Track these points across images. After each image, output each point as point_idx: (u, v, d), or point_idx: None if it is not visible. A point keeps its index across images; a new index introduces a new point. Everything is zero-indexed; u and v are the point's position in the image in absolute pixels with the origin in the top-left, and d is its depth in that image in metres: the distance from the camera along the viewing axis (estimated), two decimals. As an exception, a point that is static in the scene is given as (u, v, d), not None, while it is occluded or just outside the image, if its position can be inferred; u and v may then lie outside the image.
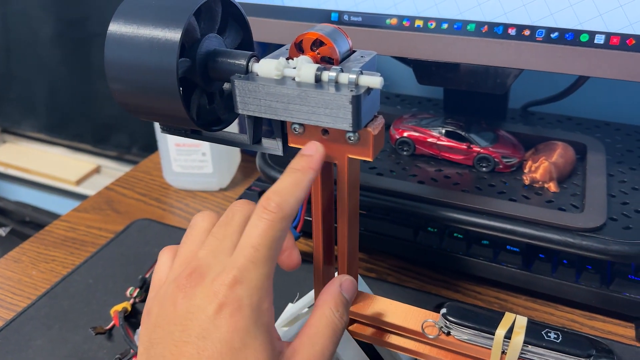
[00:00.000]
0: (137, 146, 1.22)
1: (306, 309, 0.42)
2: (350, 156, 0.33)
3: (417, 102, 0.68)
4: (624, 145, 0.58)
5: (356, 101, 0.30)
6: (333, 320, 0.32)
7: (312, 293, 0.41)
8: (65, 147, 1.37)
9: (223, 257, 0.30)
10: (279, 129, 0.35)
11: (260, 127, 0.36)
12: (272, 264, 0.30)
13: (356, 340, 0.40)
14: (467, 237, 0.52)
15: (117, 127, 1.22)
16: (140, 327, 0.31)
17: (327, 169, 0.35)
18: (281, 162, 0.55)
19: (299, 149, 0.34)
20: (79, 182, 1.30)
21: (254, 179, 0.68)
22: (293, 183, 0.31)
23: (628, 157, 0.55)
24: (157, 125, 0.65)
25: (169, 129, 0.38)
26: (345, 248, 0.37)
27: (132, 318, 0.49)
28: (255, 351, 0.28)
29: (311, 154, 0.32)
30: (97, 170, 1.34)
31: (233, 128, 0.39)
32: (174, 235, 0.60)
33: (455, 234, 0.52)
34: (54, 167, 1.35)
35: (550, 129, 0.59)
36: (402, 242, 0.53)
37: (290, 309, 0.48)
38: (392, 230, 0.53)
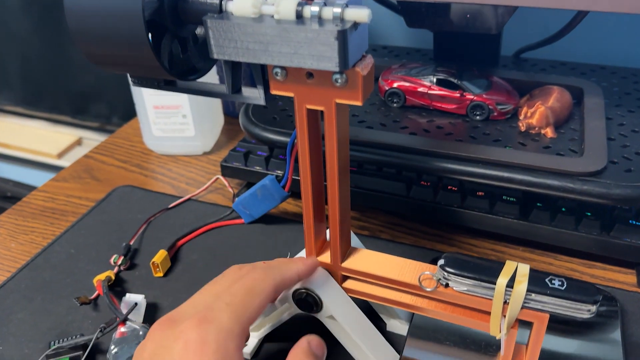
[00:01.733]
0: (118, 115, 1.18)
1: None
2: (338, 101, 0.30)
3: (405, 53, 0.65)
4: (621, 88, 0.55)
5: (342, 37, 0.27)
6: None
7: (303, 252, 0.39)
8: (44, 120, 1.33)
9: (201, 307, 0.31)
10: (259, 74, 0.32)
11: (240, 74, 0.33)
12: (246, 311, 0.31)
13: (351, 297, 0.38)
14: (461, 189, 0.50)
15: (95, 96, 1.18)
16: None
17: (314, 120, 0.33)
18: (265, 119, 0.52)
19: (283, 97, 0.31)
20: (60, 155, 1.26)
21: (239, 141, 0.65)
22: (285, 263, 0.36)
23: (626, 100, 0.53)
24: (133, 87, 0.62)
25: (140, 81, 0.36)
26: (336, 205, 0.35)
27: (117, 287, 0.47)
28: None
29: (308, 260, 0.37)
30: (78, 142, 1.30)
31: (213, 80, 0.36)
32: (157, 201, 0.57)
33: (449, 187, 0.50)
34: (34, 141, 1.31)
35: (544, 74, 0.57)
36: (395, 198, 0.51)
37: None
38: (385, 186, 0.51)
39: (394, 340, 0.41)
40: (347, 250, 0.38)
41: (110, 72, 0.35)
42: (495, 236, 0.50)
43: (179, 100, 0.61)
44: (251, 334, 0.41)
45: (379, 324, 0.42)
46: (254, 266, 0.35)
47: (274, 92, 0.32)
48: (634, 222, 0.46)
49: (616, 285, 0.46)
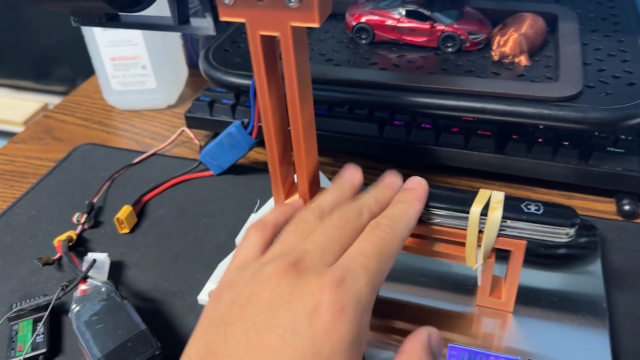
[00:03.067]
0: (82, 77, 1.13)
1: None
2: (293, 24, 0.28)
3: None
4: (597, 14, 0.53)
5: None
6: None
7: (271, 201, 0.37)
8: (7, 87, 1.28)
9: (330, 257, 0.27)
10: (207, 0, 0.30)
11: (186, 2, 0.31)
12: (380, 280, 0.27)
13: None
14: (435, 126, 0.48)
15: (56, 59, 1.13)
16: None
17: (270, 51, 0.30)
18: (227, 63, 0.49)
19: (244, 39, 0.29)
20: (27, 122, 1.22)
21: (203, 90, 0.62)
22: (401, 211, 0.30)
23: (602, 25, 0.51)
24: (88, 41, 0.59)
25: (81, 19, 0.33)
26: (301, 145, 0.32)
27: (80, 247, 0.45)
28: None
29: (414, 187, 0.32)
30: (44, 108, 1.25)
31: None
32: (121, 157, 0.55)
33: (422, 125, 0.48)
34: (-3, 110, 1.26)
35: (517, 2, 0.54)
36: (367, 140, 0.49)
37: (253, 218, 0.45)
38: (356, 128, 0.49)
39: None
40: (316, 191, 0.36)
41: (50, 8, 0.32)
42: (472, 172, 0.49)
43: (136, 50, 0.58)
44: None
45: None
46: (373, 217, 0.30)
47: (223, 18, 0.29)
48: (612, 149, 0.44)
49: (596, 214, 0.45)
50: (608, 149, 0.44)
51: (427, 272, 0.38)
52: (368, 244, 0.28)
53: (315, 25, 0.28)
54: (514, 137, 0.46)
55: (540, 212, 0.30)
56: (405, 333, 0.33)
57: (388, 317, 0.35)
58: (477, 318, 0.35)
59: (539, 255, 0.39)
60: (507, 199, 0.31)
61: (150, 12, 0.32)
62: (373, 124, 0.49)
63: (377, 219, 0.29)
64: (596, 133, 0.46)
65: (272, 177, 0.35)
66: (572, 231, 0.30)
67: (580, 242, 0.40)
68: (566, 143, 0.45)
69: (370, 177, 0.51)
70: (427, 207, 0.32)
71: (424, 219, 0.33)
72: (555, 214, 0.30)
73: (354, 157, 0.53)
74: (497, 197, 0.31)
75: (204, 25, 0.31)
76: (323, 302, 0.24)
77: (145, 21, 0.32)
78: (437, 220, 0.32)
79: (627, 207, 0.44)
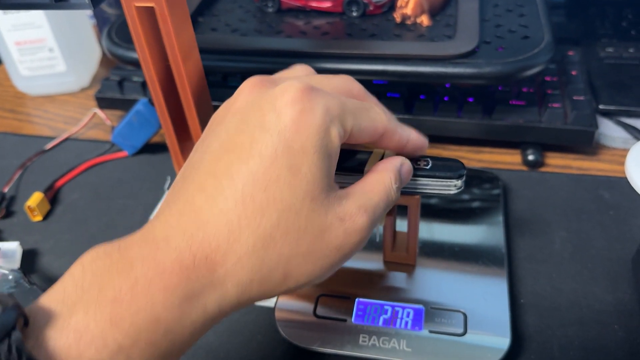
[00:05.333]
0: None
1: None
2: (166, -7, 0.28)
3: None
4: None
5: None
6: (390, 189, 0.28)
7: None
8: None
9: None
10: (77, -26, 0.29)
11: (58, -23, 0.30)
12: (349, 125, 0.26)
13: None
14: (347, 91, 0.48)
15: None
16: None
17: (150, 24, 0.30)
18: (130, 39, 0.48)
19: None
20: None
21: (112, 69, 0.61)
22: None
23: (502, -18, 0.52)
24: (-13, 24, 0.56)
25: (-50, 0, 0.31)
26: (195, 120, 0.32)
27: (-10, 237, 0.44)
28: (313, 164, 0.24)
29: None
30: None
31: None
32: (33, 144, 0.53)
33: (335, 90, 0.48)
34: None
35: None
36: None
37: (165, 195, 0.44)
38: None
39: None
40: (220, 163, 0.36)
41: None
42: (385, 135, 0.50)
43: (41, 33, 0.56)
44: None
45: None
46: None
47: (96, -8, 0.28)
48: (515, 102, 0.46)
49: (503, 166, 0.47)
50: (510, 102, 0.46)
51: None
52: (349, 101, 0.27)
53: (188, -7, 0.27)
54: (421, 97, 0.47)
55: (429, 167, 0.31)
56: (317, 291, 0.35)
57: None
58: (384, 273, 0.36)
59: (445, 209, 0.40)
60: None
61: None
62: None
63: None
64: (500, 88, 0.48)
65: (172, 152, 0.35)
66: (459, 182, 0.31)
67: (484, 194, 0.42)
68: (471, 99, 0.46)
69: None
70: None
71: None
72: (443, 168, 0.31)
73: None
74: (390, 155, 0.32)
75: (80, 1, 0.30)
76: (291, 98, 0.24)
77: (22, 1, 0.31)
78: (336, 181, 0.33)
79: (531, 157, 0.46)
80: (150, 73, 0.31)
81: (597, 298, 0.35)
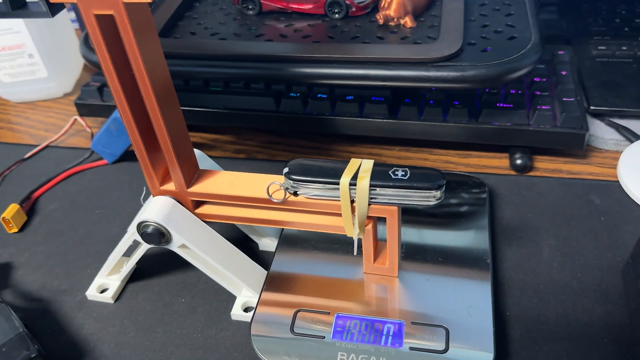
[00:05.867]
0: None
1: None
2: (125, 0, 0.26)
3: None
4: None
5: None
6: None
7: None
8: None
9: None
10: (33, -19, 0.28)
11: (15, -15, 0.29)
12: None
13: (208, 222, 0.36)
14: (331, 96, 0.47)
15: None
16: None
17: (111, 32, 0.28)
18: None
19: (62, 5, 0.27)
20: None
21: (93, 74, 0.59)
22: None
23: (490, -19, 0.51)
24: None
25: None
26: (163, 129, 0.31)
27: (-36, 250, 0.43)
28: None
29: None
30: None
31: None
32: (12, 153, 0.52)
33: (319, 96, 0.47)
34: None
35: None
36: (264, 114, 0.48)
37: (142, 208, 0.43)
38: (253, 103, 0.48)
39: (267, 259, 0.39)
40: (194, 175, 0.35)
41: None
42: (371, 139, 0.49)
43: (19, 38, 0.55)
44: (113, 277, 0.38)
45: (251, 245, 0.40)
46: None
47: (55, 0, 0.27)
48: (502, 105, 0.45)
49: (491, 171, 0.46)
50: (497, 105, 0.45)
51: (320, 240, 0.38)
52: None
53: (147, 0, 0.26)
54: (406, 101, 0.46)
55: (406, 177, 0.30)
56: (297, 305, 0.33)
57: (281, 291, 0.35)
58: (366, 285, 0.35)
59: (429, 215, 0.39)
60: (376, 165, 0.31)
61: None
62: (269, 97, 0.48)
63: None
64: (487, 90, 0.46)
65: (141, 163, 0.34)
66: (438, 193, 0.30)
67: (469, 199, 0.40)
68: (456, 102, 0.45)
69: (274, 153, 0.50)
70: (301, 180, 0.31)
71: (299, 194, 0.32)
72: (421, 178, 0.30)
73: (258, 134, 0.52)
74: (366, 165, 0.31)
75: (40, 9, 0.29)
76: None
77: (-22, 8, 0.30)
78: (313, 193, 0.32)
79: (518, 161, 0.44)
80: (114, 84, 0.29)
81: (586, 311, 0.34)
